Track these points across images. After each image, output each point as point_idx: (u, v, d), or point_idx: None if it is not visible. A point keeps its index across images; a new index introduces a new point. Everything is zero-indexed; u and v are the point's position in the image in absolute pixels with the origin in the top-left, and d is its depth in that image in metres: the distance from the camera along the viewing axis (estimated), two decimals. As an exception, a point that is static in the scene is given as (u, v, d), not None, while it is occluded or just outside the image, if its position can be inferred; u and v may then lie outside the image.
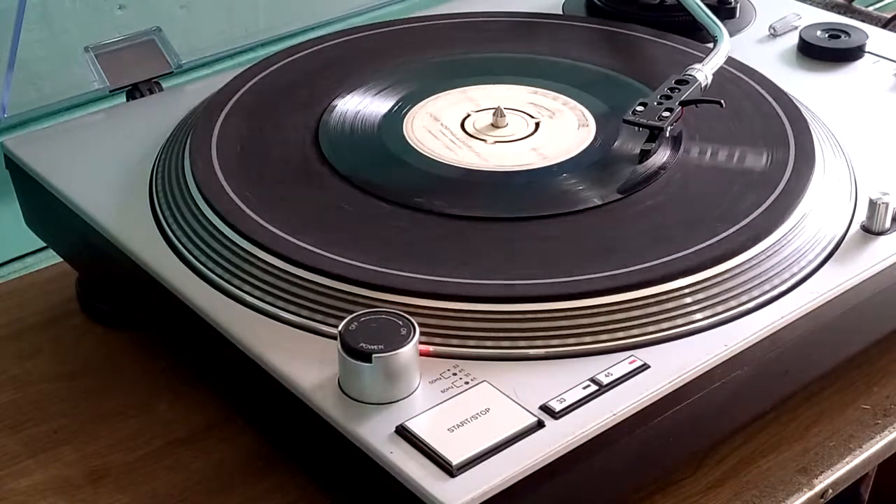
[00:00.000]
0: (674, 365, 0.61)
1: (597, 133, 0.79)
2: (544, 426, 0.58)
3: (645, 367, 0.61)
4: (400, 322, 0.59)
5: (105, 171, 0.79)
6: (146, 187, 0.77)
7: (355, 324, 0.59)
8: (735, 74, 0.86)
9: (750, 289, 0.66)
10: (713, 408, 0.63)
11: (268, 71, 0.88)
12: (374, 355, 0.58)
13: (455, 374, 0.61)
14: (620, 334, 0.63)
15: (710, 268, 0.65)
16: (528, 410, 0.58)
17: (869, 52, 0.92)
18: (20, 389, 0.77)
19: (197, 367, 0.73)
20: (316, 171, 0.76)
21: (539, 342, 0.62)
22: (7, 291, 0.87)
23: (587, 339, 0.62)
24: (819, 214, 0.71)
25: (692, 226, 0.69)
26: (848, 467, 0.70)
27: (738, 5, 0.98)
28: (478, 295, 0.63)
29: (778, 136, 0.78)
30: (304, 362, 0.62)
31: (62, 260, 0.86)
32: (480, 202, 0.72)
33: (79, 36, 1.03)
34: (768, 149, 0.77)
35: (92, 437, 0.73)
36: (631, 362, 0.61)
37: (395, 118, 0.81)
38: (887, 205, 0.70)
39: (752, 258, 0.67)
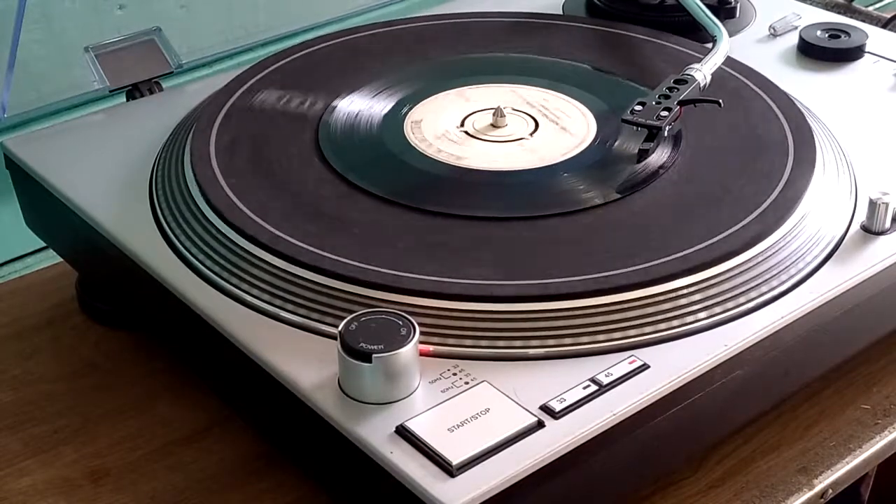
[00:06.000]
0: (674, 365, 0.61)
1: (597, 133, 0.79)
2: (544, 426, 0.58)
3: (645, 367, 0.61)
4: (400, 322, 0.59)
5: (105, 171, 0.79)
6: (146, 187, 0.77)
7: (355, 324, 0.59)
8: (734, 74, 0.86)
9: (750, 289, 0.66)
10: (713, 408, 0.63)
11: (267, 71, 0.88)
12: (374, 355, 0.58)
13: (455, 374, 0.61)
14: (620, 334, 0.63)
15: (709, 268, 0.65)
16: (528, 410, 0.58)
17: (869, 52, 0.92)
18: (20, 389, 0.77)
19: (197, 367, 0.73)
20: (316, 171, 0.76)
21: (539, 342, 0.62)
22: (7, 291, 0.87)
23: (587, 339, 0.62)
24: (819, 214, 0.71)
25: (692, 226, 0.69)
26: (848, 467, 0.70)
27: (738, 5, 0.98)
28: (478, 295, 0.63)
29: (778, 136, 0.78)
30: (304, 362, 0.62)
31: (62, 260, 0.86)
32: (480, 202, 0.72)
33: (79, 36, 1.03)
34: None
35: (92, 437, 0.73)
36: (631, 362, 0.61)
37: (395, 118, 0.81)
38: (887, 205, 0.70)
39: (752, 258, 0.67)
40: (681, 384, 0.61)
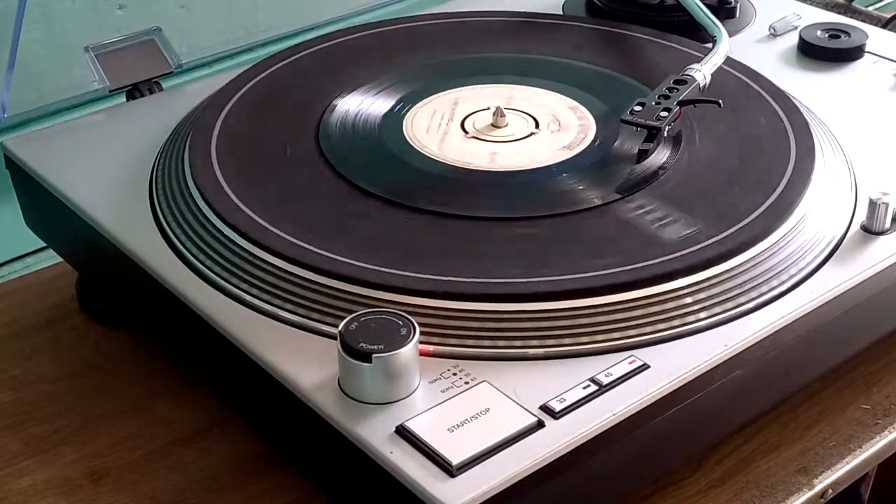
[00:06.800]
0: (674, 365, 0.61)
1: (596, 133, 0.79)
2: (544, 426, 0.58)
3: (645, 367, 0.61)
4: (400, 322, 0.59)
5: (105, 171, 0.79)
6: (146, 187, 0.77)
7: (355, 324, 0.59)
8: (735, 74, 0.86)
9: (750, 289, 0.66)
10: (713, 408, 0.63)
11: (268, 71, 0.88)
12: (374, 355, 0.58)
13: (455, 374, 0.61)
14: (620, 334, 0.63)
15: (710, 268, 0.65)
16: (528, 410, 0.58)
17: (869, 52, 0.92)
18: (20, 389, 0.77)
19: (197, 367, 0.73)
20: (316, 171, 0.76)
21: (539, 342, 0.62)
22: (7, 291, 0.87)
23: (587, 338, 0.62)
24: (819, 214, 0.71)
25: (692, 225, 0.69)
26: (848, 467, 0.70)
27: (738, 5, 0.98)
28: (478, 294, 0.63)
29: (778, 136, 0.78)
30: (304, 362, 0.62)
31: (62, 260, 0.86)
32: (480, 202, 0.72)
33: (79, 36, 1.03)
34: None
35: (92, 437, 0.73)
36: (631, 362, 0.61)
37: (395, 118, 0.81)
38: (887, 205, 0.70)
39: (752, 258, 0.67)
40: (681, 384, 0.61)
